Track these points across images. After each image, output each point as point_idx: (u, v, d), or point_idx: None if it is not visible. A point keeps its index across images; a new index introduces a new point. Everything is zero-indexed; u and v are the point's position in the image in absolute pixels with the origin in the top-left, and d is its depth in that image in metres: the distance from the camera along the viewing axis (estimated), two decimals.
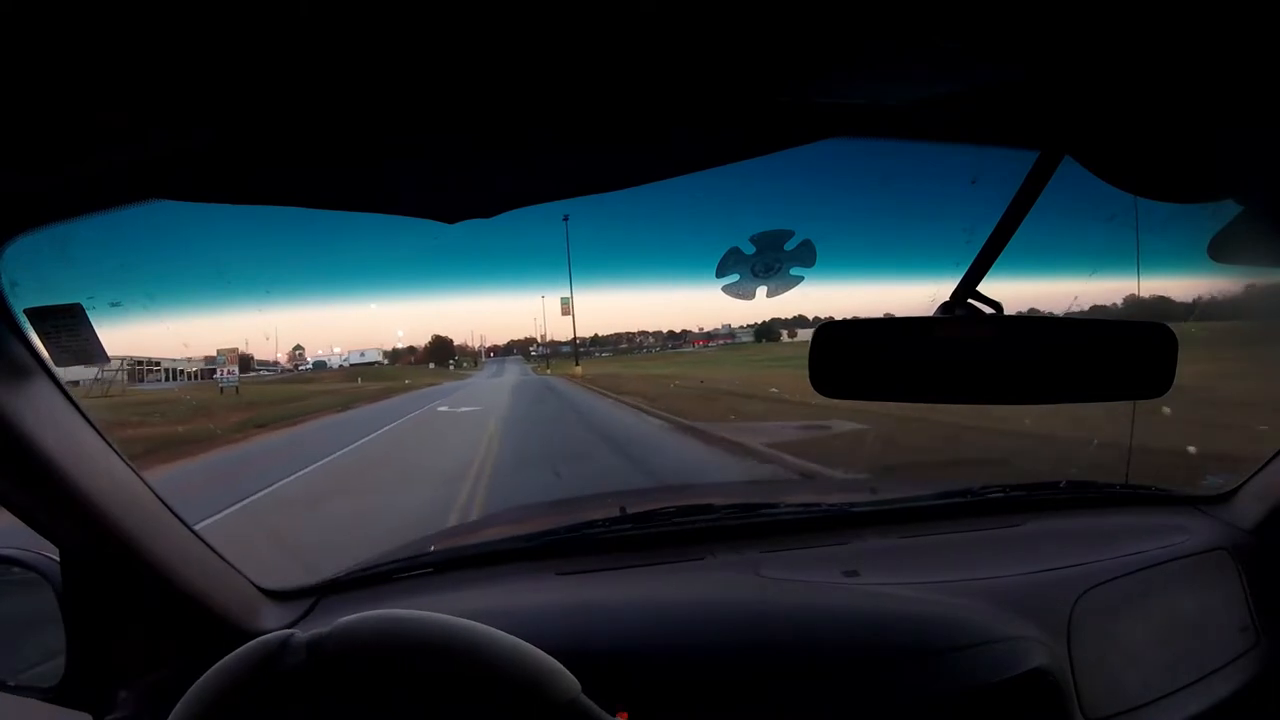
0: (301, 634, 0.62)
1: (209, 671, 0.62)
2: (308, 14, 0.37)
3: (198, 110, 0.47)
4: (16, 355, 0.66)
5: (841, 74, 0.50)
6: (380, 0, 0.38)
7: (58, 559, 0.80)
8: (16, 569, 0.84)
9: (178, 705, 0.61)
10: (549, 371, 21.13)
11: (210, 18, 0.37)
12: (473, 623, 0.62)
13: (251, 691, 0.60)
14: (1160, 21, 0.44)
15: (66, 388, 0.70)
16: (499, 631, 0.62)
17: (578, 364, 19.47)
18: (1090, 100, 0.55)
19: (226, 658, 0.63)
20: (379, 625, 0.62)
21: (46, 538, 0.75)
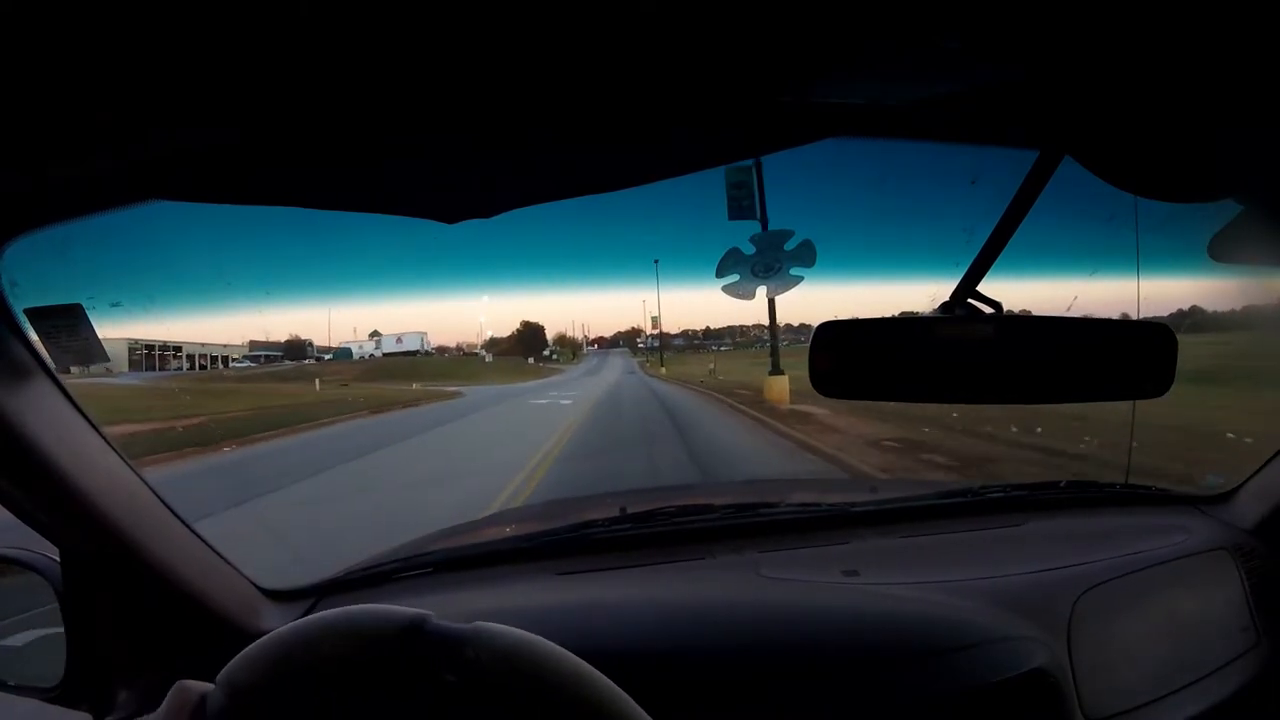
0: (437, 620, 0.60)
1: (326, 618, 0.60)
2: (308, 14, 0.37)
3: (198, 110, 0.47)
4: (16, 355, 0.66)
5: (841, 74, 0.50)
6: (381, 1, 0.38)
7: (58, 559, 0.80)
8: (16, 569, 0.84)
9: (268, 639, 0.60)
10: (663, 372, 16.48)
11: (210, 18, 0.37)
12: (605, 679, 0.60)
13: (368, 657, 0.58)
14: (1160, 21, 0.44)
15: (66, 388, 0.70)
16: (628, 698, 0.59)
17: (778, 370, 8.37)
18: (1090, 100, 0.55)
19: (350, 611, 0.60)
20: (520, 645, 0.59)
21: (46, 538, 0.75)
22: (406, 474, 6.06)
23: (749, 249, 0.80)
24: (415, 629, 0.59)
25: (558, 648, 0.60)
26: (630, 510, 1.16)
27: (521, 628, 0.63)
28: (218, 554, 0.89)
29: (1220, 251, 0.71)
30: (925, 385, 0.69)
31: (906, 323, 0.71)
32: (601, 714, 0.57)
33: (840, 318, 0.69)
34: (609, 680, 0.59)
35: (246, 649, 0.61)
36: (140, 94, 0.43)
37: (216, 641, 0.82)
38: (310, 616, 0.62)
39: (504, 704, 0.58)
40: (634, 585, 0.99)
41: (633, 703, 0.59)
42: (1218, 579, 1.02)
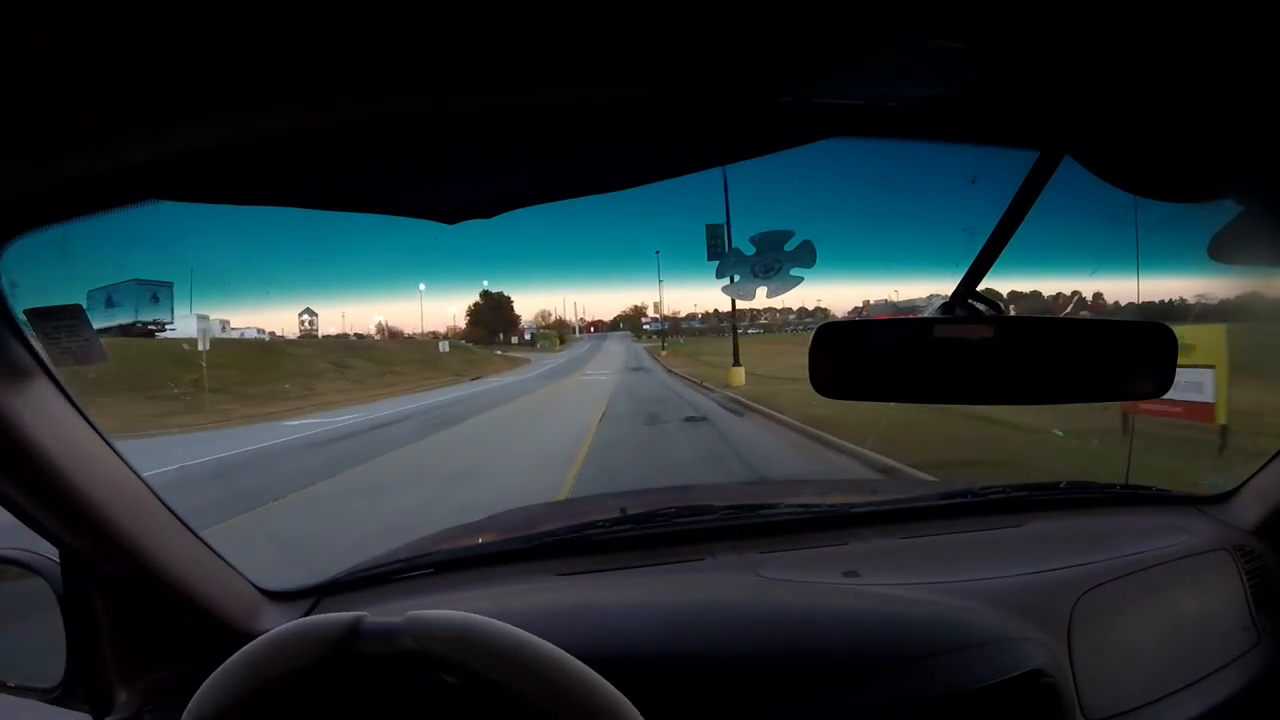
0: (371, 619, 0.63)
1: (265, 639, 0.62)
2: (308, 14, 0.37)
3: (197, 110, 0.47)
4: (16, 356, 0.66)
5: (841, 74, 0.50)
6: (380, 2, 0.38)
7: (57, 560, 0.80)
8: (16, 569, 0.84)
9: (222, 668, 0.62)
10: (738, 382, 7.91)
11: (209, 18, 0.37)
12: (545, 643, 0.62)
13: (314, 667, 0.61)
14: (1160, 21, 0.44)
15: (66, 388, 0.70)
16: (570, 657, 0.61)
17: None
18: (1090, 100, 0.55)
19: (287, 628, 0.63)
20: (452, 625, 0.62)
21: (46, 539, 0.75)
22: None
23: (749, 249, 0.79)
24: (351, 631, 0.62)
25: (492, 621, 0.63)
26: (630, 511, 1.16)
27: (522, 628, 0.63)
28: (218, 555, 0.89)
29: (1220, 251, 0.71)
30: (926, 386, 0.69)
31: (906, 324, 0.70)
32: (544, 672, 0.60)
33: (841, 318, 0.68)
34: (550, 644, 0.62)
35: (206, 681, 0.63)
36: (140, 94, 0.43)
37: (216, 642, 0.82)
38: (253, 642, 0.64)
39: (450, 678, 0.61)
40: (634, 586, 0.99)
41: (575, 660, 0.61)
42: (1218, 579, 1.02)
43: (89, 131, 0.47)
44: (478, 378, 11.99)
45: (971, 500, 1.19)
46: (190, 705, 0.62)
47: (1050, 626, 0.88)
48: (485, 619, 0.63)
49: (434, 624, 0.62)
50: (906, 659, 0.81)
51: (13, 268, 0.63)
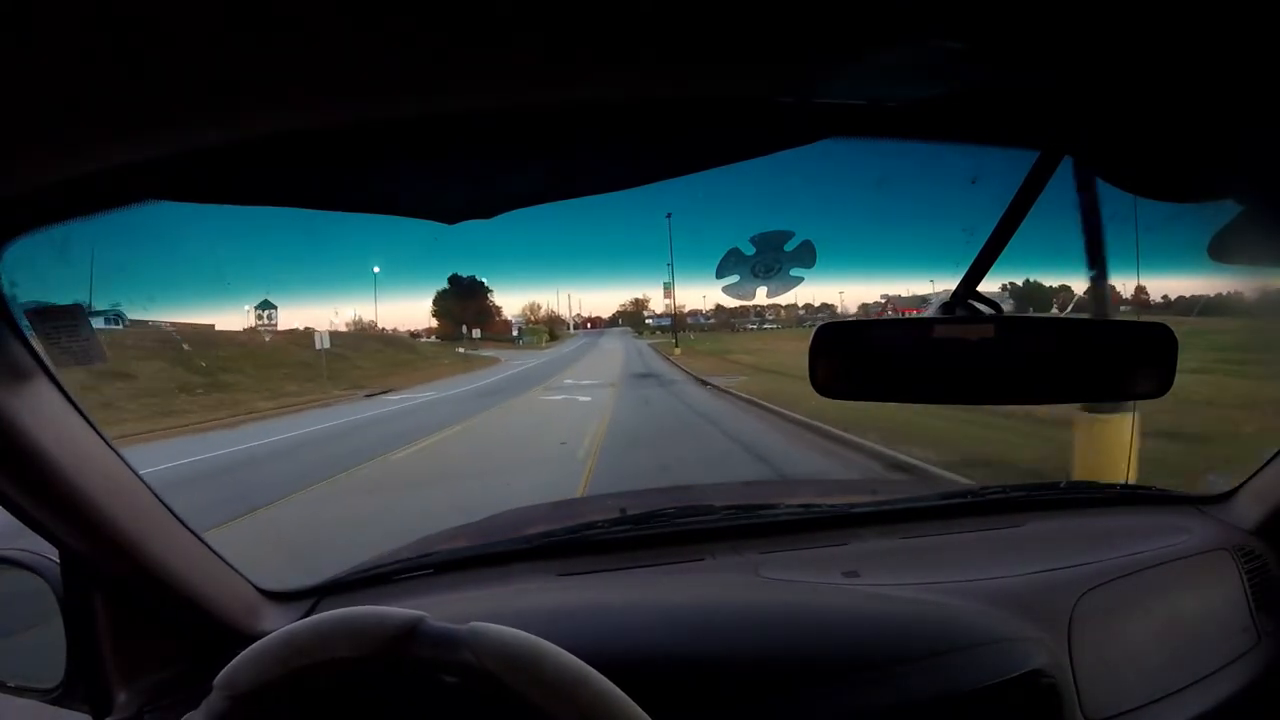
0: (433, 621, 0.61)
1: (323, 621, 0.61)
2: (307, 14, 0.37)
3: (197, 110, 0.47)
4: (16, 355, 0.65)
5: (841, 74, 0.50)
6: (379, 2, 0.38)
7: (57, 560, 0.80)
8: (16, 570, 0.84)
9: (264, 643, 0.60)
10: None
11: (209, 18, 0.37)
12: (600, 676, 0.60)
13: (365, 660, 0.59)
14: (1160, 22, 0.44)
15: (66, 388, 0.70)
16: (622, 693, 0.59)
17: None
18: (1090, 100, 0.55)
19: (346, 613, 0.61)
20: (518, 647, 0.60)
21: (46, 539, 0.75)
22: None
23: (749, 249, 0.80)
24: (411, 630, 0.59)
25: (554, 647, 0.60)
26: (631, 511, 1.16)
27: (522, 628, 0.63)
28: (218, 555, 0.89)
29: (1220, 251, 0.71)
30: (926, 386, 0.70)
31: (907, 323, 0.71)
32: (599, 711, 0.58)
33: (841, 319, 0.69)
34: (606, 679, 0.59)
35: (243, 653, 0.61)
36: (140, 94, 0.43)
37: (217, 643, 0.82)
38: (306, 619, 0.62)
39: (503, 703, 0.58)
40: (634, 586, 0.99)
41: (629, 700, 0.59)
42: (1218, 579, 1.02)
43: (89, 131, 0.46)
44: (383, 392, 8.33)
45: (971, 500, 1.19)
46: (223, 674, 0.60)
47: (1050, 626, 0.88)
48: (552, 646, 0.60)
49: (496, 640, 0.59)
50: (906, 659, 0.81)
51: (13, 267, 0.63)
